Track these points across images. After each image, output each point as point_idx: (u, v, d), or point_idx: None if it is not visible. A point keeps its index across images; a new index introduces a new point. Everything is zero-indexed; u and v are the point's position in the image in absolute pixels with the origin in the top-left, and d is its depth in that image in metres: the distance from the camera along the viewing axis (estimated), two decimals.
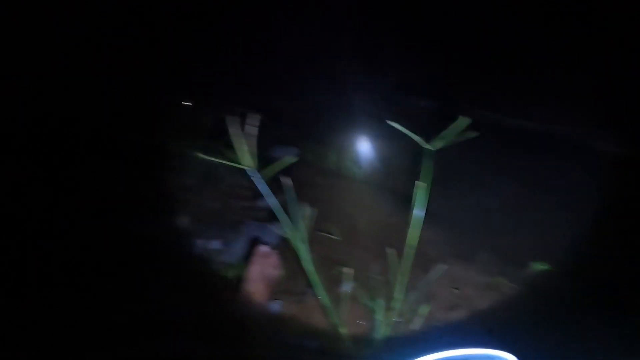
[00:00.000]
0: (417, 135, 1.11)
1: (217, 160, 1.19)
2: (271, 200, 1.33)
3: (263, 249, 1.83)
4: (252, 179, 1.18)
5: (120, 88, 4.06)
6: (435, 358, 1.02)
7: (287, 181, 1.39)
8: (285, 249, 2.23)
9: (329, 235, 2.34)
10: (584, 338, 1.63)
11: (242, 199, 2.83)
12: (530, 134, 4.22)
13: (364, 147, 3.58)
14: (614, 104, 4.03)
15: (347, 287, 1.96)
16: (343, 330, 1.66)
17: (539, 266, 1.81)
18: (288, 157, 1.15)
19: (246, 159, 1.09)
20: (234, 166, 1.12)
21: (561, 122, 4.17)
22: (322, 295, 1.65)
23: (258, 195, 1.33)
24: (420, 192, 1.22)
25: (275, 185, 1.38)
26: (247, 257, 1.90)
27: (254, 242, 2.29)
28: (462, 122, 1.04)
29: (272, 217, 1.43)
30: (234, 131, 1.01)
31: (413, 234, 1.31)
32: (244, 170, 1.17)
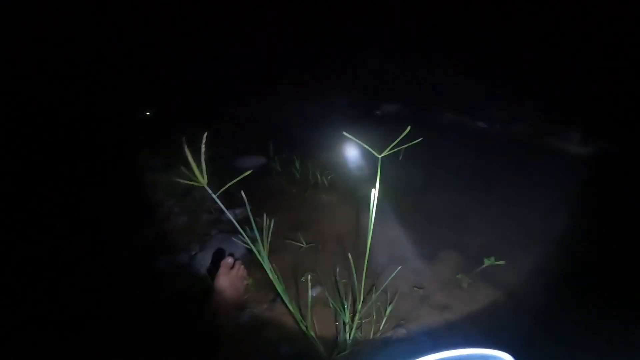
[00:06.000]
0: (370, 143, 1.18)
1: (174, 178, 1.21)
2: (230, 213, 1.36)
3: (229, 260, 1.85)
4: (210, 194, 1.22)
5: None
6: (433, 359, 1.00)
7: (243, 194, 1.43)
8: (251, 259, 2.26)
9: (296, 243, 2.39)
10: (580, 338, 1.69)
11: (209, 212, 2.83)
12: (489, 134, 4.41)
13: (326, 156, 3.66)
14: (576, 103, 4.25)
15: (313, 292, 2.02)
16: (311, 335, 1.70)
17: (491, 261, 1.91)
18: (244, 171, 1.19)
19: (198, 175, 1.13)
20: (189, 183, 1.14)
21: (521, 122, 4.36)
22: (288, 302, 1.69)
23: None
24: (372, 197, 1.29)
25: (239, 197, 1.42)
26: (214, 269, 1.91)
27: (220, 253, 2.30)
28: (406, 130, 1.12)
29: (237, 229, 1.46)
30: (186, 148, 1.05)
31: (369, 236, 1.38)
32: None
